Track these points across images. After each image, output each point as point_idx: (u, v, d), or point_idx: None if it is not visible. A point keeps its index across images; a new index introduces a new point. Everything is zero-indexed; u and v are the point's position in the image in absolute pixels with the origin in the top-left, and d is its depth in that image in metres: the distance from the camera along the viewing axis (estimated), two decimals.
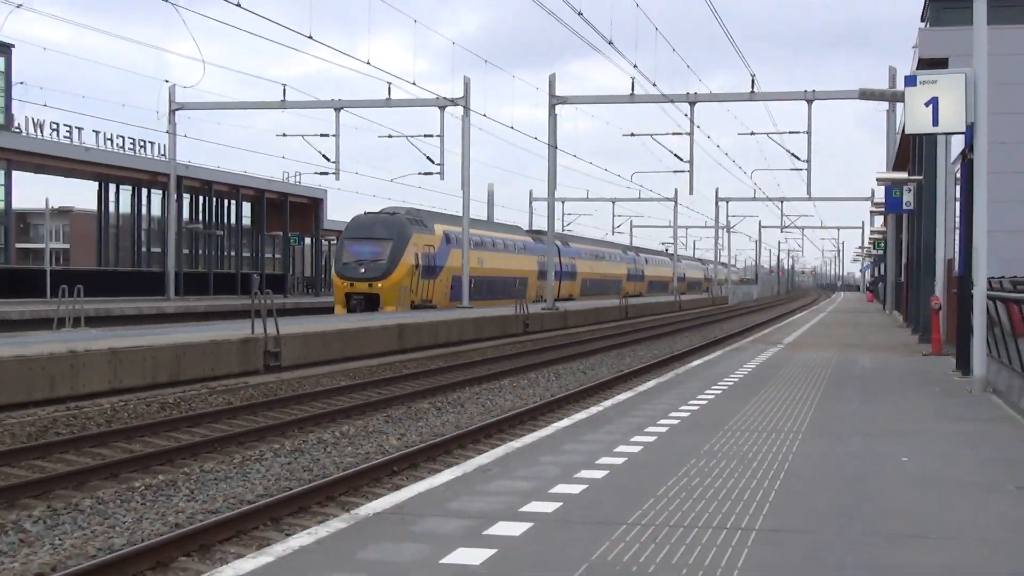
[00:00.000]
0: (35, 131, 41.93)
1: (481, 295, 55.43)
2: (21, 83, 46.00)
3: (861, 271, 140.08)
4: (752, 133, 49.76)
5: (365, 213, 52.27)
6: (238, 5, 27.34)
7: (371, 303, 45.38)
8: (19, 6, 38.32)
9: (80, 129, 40.42)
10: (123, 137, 42.47)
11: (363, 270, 45.87)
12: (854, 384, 17.62)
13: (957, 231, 20.02)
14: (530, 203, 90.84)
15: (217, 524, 10.18)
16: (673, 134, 48.68)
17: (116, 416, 17.61)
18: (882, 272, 73.59)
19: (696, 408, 13.88)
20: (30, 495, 11.74)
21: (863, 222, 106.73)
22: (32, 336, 23.92)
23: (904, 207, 35.08)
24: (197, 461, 14.02)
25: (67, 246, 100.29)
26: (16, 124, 42.82)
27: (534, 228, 76.20)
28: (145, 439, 15.49)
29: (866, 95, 41.07)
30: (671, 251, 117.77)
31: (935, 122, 15.95)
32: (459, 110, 46.52)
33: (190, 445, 14.62)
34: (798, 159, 46.69)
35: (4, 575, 8.92)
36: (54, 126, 42.12)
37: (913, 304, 36.16)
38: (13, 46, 43.16)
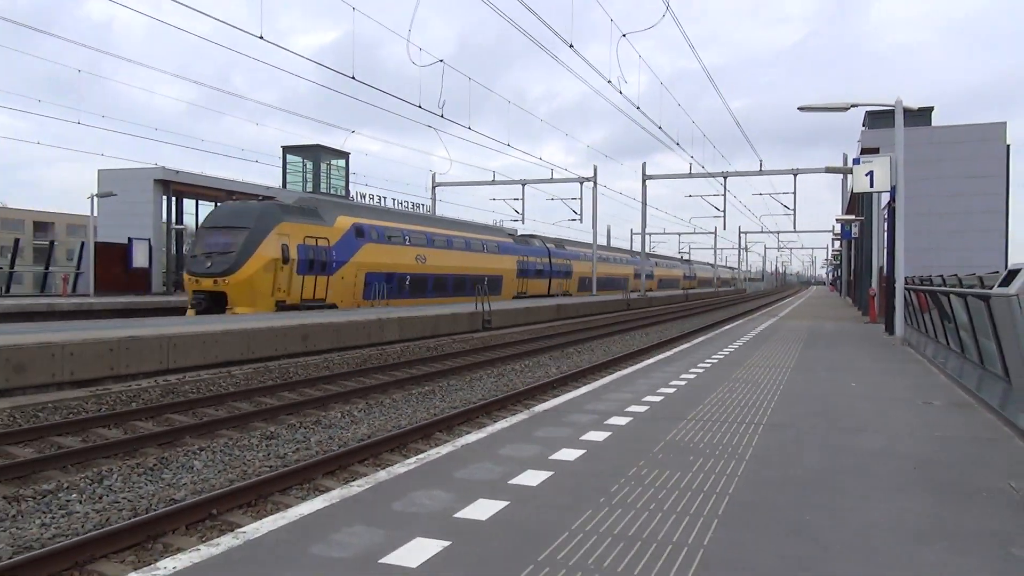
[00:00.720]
0: (360, 199, 43.82)
1: (425, 292, 31.90)
2: (354, 174, 48.24)
3: (826, 273, 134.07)
4: (760, 194, 48.97)
5: (232, 201, 29.54)
6: (468, 128, 28.02)
7: (217, 303, 22.98)
8: (353, 132, 41.37)
9: (384, 198, 41.76)
10: (408, 202, 43.57)
11: (209, 264, 23.34)
12: (822, 339, 16.88)
13: (885, 249, 19.18)
14: (631, 237, 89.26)
15: (456, 414, 10.34)
16: (713, 195, 48.19)
17: (403, 354, 18.05)
18: (839, 274, 70.81)
19: (728, 353, 13.49)
20: (357, 397, 12.12)
21: (827, 245, 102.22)
22: (357, 311, 24.63)
23: (853, 236, 34.23)
24: (445, 379, 14.26)
25: None
26: (351, 196, 44.84)
27: (531, 233, 48.48)
28: (418, 367, 15.83)
29: (830, 170, 39.46)
30: (685, 257, 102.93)
31: (871, 185, 15.46)
32: (591, 184, 46.23)
33: (442, 371, 14.87)
34: (788, 208, 45.02)
35: (343, 437, 9.22)
36: (371, 196, 43.85)
37: (858, 293, 34.91)
38: (349, 153, 45.18)
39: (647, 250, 53.99)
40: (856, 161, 16.38)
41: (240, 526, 5.30)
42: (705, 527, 4.01)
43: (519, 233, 46.45)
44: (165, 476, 7.56)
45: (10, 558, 5.26)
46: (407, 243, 30.91)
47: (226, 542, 3.77)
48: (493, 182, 46.23)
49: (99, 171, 36.11)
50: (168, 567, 3.44)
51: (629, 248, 71.11)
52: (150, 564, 4.12)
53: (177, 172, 35.23)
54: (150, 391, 11.89)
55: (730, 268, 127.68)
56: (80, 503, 6.65)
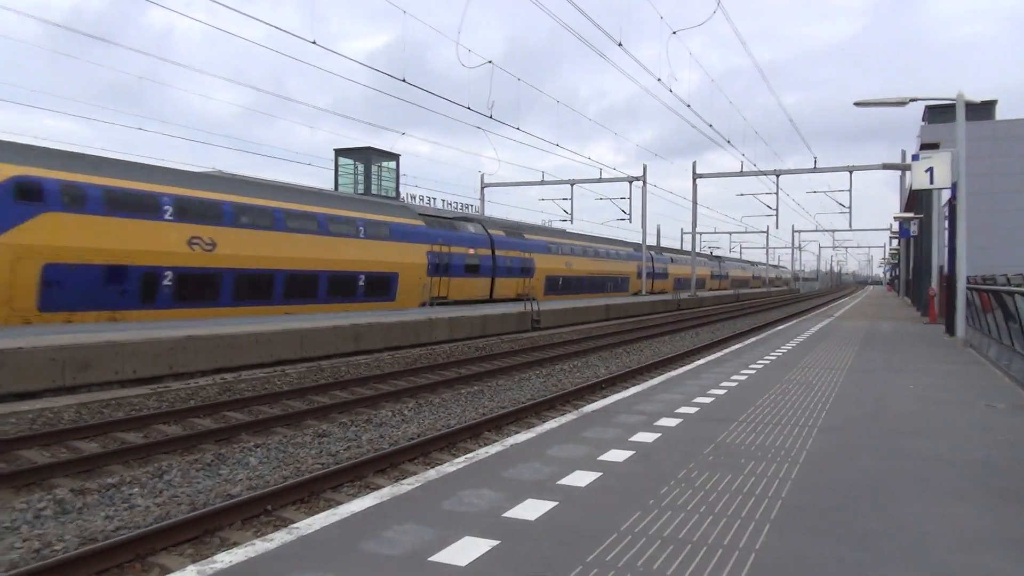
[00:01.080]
0: (411, 200, 44.24)
1: (216, 298, 19.43)
2: (404, 175, 48.88)
3: (884, 272, 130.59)
4: (815, 192, 47.81)
5: None
6: (518, 128, 28.16)
7: None
8: (403, 134, 42.00)
9: (433, 199, 42.08)
10: (457, 203, 43.80)
11: None
12: (879, 340, 16.46)
13: (946, 248, 18.67)
14: (681, 236, 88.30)
15: (505, 414, 10.35)
16: (765, 193, 47.21)
17: (452, 354, 18.14)
18: (897, 273, 69.04)
19: (780, 354, 13.26)
20: (407, 396, 12.20)
21: (884, 244, 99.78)
22: (406, 311, 24.83)
23: (912, 234, 33.36)
24: (494, 379, 14.29)
25: None
26: (401, 197, 45.47)
27: (461, 215, 35.65)
28: (467, 367, 15.88)
29: (888, 166, 38.57)
30: (716, 253, 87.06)
31: (932, 182, 15.06)
32: (640, 183, 45.93)
33: (491, 371, 14.88)
34: (843, 206, 43.99)
35: (394, 436, 9.30)
36: (421, 197, 44.21)
37: (917, 292, 34.02)
38: (399, 155, 45.73)
39: (698, 249, 53.27)
40: (915, 157, 15.97)
41: (293, 522, 5.40)
42: (757, 531, 3.95)
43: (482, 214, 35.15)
44: (222, 472, 7.74)
45: (76, 549, 5.45)
46: (170, 217, 18.47)
47: (280, 537, 3.85)
48: (542, 182, 46.20)
49: None
50: (225, 561, 3.53)
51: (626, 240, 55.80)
52: (207, 557, 4.23)
53: (233, 176, 36.10)
54: (208, 389, 12.19)
55: (775, 266, 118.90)
56: (142, 497, 6.85)
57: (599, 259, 45.29)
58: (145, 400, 11.20)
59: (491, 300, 31.98)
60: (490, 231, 33.53)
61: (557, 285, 38.93)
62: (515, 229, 36.89)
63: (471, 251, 31.24)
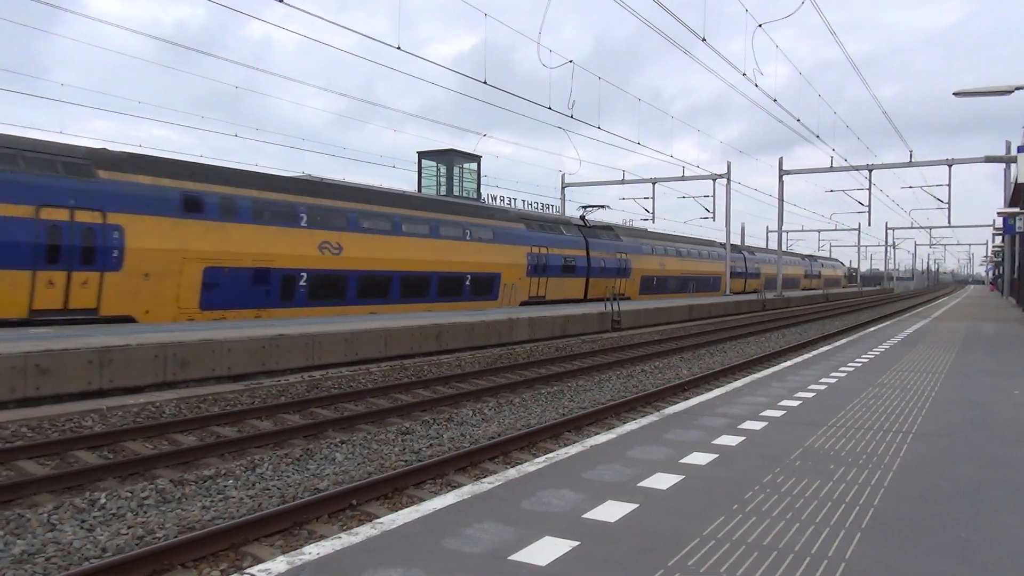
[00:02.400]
0: (491, 200, 44.44)
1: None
2: (485, 176, 49.22)
3: (986, 271, 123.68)
4: (910, 187, 45.69)
5: None
6: (598, 127, 27.91)
7: None
8: (484, 135, 42.32)
9: (514, 200, 42.16)
10: (538, 203, 43.86)
11: None
12: (980, 342, 15.62)
13: None
14: (767, 235, 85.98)
15: (584, 415, 10.32)
16: (857, 189, 45.48)
17: (532, 354, 18.19)
18: (1000, 271, 65.32)
19: (873, 356, 12.74)
20: (487, 395, 12.29)
21: (987, 241, 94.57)
22: (488, 311, 25.00)
23: (1017, 230, 31.54)
24: (574, 379, 14.24)
25: None
26: (482, 198, 45.78)
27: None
28: (547, 367, 15.89)
29: (991, 159, 36.52)
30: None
31: None
32: (724, 181, 44.93)
33: (571, 371, 14.85)
34: (941, 202, 41.93)
35: (474, 435, 9.39)
36: (502, 198, 44.36)
37: (1023, 292, 32.07)
38: (480, 156, 46.04)
39: (783, 247, 51.80)
40: (1021, 149, 15.12)
41: (377, 517, 5.53)
42: (847, 540, 3.81)
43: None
44: (310, 466, 7.99)
45: (176, 537, 5.73)
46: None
47: (364, 532, 3.95)
48: (623, 181, 45.74)
49: None
50: (312, 553, 3.64)
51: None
52: (296, 549, 4.38)
53: (321, 179, 37.26)
54: (297, 386, 12.59)
55: (801, 257, 78.30)
56: (235, 489, 7.14)
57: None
58: (239, 396, 11.67)
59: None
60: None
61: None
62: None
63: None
